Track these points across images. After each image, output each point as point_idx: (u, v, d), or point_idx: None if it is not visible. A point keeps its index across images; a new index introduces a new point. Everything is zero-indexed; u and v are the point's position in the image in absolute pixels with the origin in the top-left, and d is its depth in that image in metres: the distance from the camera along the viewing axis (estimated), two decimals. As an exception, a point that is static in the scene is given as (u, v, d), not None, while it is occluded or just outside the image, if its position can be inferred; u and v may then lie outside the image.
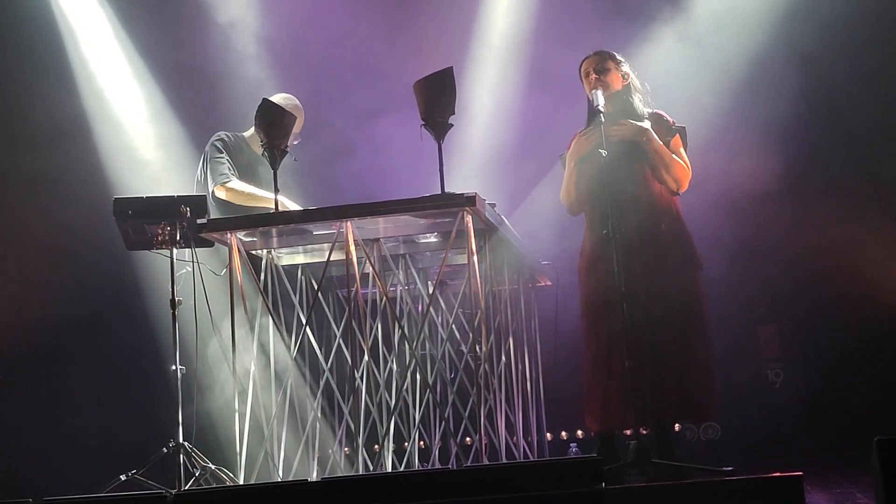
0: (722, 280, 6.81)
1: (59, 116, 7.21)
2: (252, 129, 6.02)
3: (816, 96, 6.98)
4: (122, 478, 5.20)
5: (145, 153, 7.23)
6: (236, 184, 5.81)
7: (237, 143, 6.04)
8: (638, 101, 5.41)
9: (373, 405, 5.10)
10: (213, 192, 5.79)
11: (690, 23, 7.19)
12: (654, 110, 5.45)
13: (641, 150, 5.30)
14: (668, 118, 5.42)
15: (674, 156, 5.32)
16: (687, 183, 5.37)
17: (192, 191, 5.96)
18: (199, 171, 6.00)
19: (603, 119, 5.11)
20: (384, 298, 5.05)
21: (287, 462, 5.14)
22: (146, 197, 5.47)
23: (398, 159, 6.95)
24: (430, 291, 5.22)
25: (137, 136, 7.29)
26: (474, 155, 7.36)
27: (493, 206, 5.03)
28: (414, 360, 5.04)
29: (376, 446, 5.04)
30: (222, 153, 5.91)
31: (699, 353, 5.18)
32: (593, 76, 5.37)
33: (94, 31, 7.35)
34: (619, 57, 5.48)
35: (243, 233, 4.94)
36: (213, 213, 5.64)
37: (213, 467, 5.22)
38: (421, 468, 5.35)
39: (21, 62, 7.29)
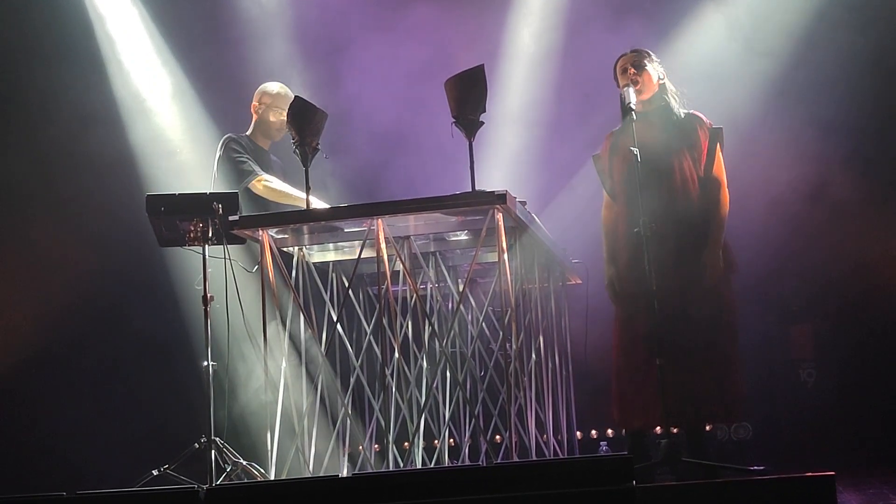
0: (755, 279, 6.78)
1: (92, 104, 7.29)
2: (251, 127, 6.07)
3: (861, 87, 6.89)
4: (154, 472, 5.24)
5: (172, 134, 7.30)
6: (271, 180, 5.82)
7: (247, 143, 6.00)
8: (674, 103, 5.40)
9: (403, 402, 5.10)
10: (245, 188, 5.75)
11: (734, 6, 7.17)
12: (691, 111, 5.43)
13: (678, 145, 5.29)
14: (706, 119, 5.39)
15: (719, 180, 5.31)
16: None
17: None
18: (214, 176, 5.91)
19: (635, 117, 5.10)
20: (414, 296, 5.05)
21: (318, 458, 5.16)
22: (178, 193, 5.45)
23: (429, 157, 6.95)
24: (461, 289, 5.22)
25: (166, 124, 7.36)
26: (505, 152, 7.34)
27: (523, 203, 5.03)
28: (444, 358, 5.04)
29: (406, 443, 5.05)
30: (242, 152, 5.89)
31: (726, 354, 5.17)
32: (631, 71, 5.34)
33: (125, 23, 7.43)
34: (654, 57, 5.45)
35: (275, 230, 4.95)
36: (244, 210, 5.63)
37: (244, 463, 5.24)
38: (451, 465, 5.36)
39: (56, 53, 7.37)
